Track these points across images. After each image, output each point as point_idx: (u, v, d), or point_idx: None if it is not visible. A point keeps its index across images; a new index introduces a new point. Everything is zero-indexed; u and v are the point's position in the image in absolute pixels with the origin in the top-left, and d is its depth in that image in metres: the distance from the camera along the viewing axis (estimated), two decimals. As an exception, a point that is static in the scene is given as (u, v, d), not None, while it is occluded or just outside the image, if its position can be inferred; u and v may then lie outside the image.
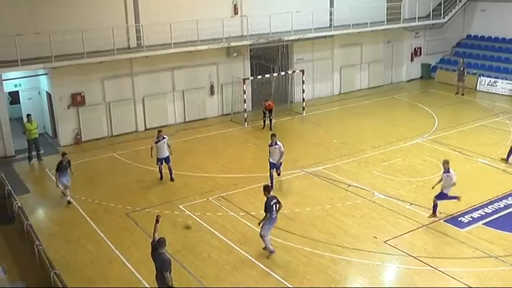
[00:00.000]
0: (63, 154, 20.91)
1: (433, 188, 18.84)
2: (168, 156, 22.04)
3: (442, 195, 18.50)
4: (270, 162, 21.21)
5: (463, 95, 35.73)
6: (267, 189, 16.45)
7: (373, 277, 15.49)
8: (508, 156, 23.48)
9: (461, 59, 36.96)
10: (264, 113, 29.18)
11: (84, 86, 27.23)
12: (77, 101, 27.08)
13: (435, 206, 18.53)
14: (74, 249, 17.15)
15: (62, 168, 20.46)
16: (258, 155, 25.67)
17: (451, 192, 18.48)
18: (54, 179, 20.53)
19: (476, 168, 23.17)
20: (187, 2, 29.58)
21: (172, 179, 22.18)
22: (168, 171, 22.28)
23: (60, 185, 20.57)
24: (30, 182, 22.92)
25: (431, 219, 18.46)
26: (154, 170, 22.91)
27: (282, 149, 21.11)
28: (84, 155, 25.76)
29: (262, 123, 29.32)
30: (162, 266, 13.00)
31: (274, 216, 16.28)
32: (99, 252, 16.97)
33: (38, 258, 15.04)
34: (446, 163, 18.60)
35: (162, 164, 22.06)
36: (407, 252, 16.57)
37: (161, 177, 22.31)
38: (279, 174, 21.62)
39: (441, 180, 18.63)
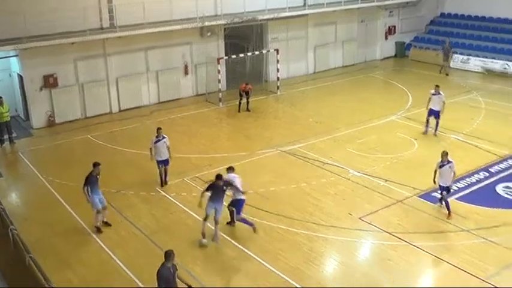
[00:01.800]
0: (96, 165, 16.93)
1: (434, 183, 17.68)
2: (167, 159, 19.71)
3: (443, 188, 17.49)
4: None
5: (447, 74, 35.62)
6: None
7: (349, 253, 15.66)
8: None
9: (447, 39, 36.91)
10: (241, 95, 28.69)
11: (56, 68, 26.82)
12: (50, 82, 26.69)
13: (447, 204, 17.40)
14: (48, 233, 17.00)
15: (92, 181, 16.70)
16: (233, 135, 25.70)
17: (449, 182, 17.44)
18: (86, 197, 16.69)
19: (449, 144, 23.37)
20: (161, -18, 29.28)
21: (166, 182, 19.95)
22: (163, 172, 20.07)
23: (94, 206, 16.77)
24: (3, 166, 22.59)
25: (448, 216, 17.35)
26: (129, 151, 22.84)
27: None
28: (57, 138, 25.50)
29: (238, 106, 28.83)
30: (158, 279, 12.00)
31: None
32: (75, 235, 16.85)
33: (12, 243, 14.89)
34: (445, 155, 17.35)
35: (162, 167, 19.84)
36: (382, 228, 16.74)
37: (162, 183, 19.89)
38: None
39: (436, 172, 17.50)
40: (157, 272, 12.01)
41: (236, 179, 16.50)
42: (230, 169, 16.93)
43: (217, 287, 14.21)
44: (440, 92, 24.15)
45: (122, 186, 19.89)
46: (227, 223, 16.85)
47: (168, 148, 19.61)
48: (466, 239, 16.07)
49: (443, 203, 17.53)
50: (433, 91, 24.31)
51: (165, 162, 19.73)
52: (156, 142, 19.40)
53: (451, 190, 17.84)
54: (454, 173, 17.35)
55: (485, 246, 15.67)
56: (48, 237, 16.73)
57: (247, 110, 28.54)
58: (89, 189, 16.57)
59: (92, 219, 17.08)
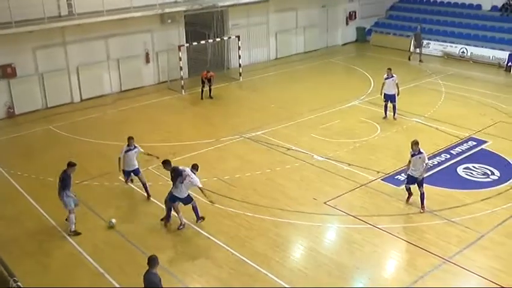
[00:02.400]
0: (71, 165, 16.23)
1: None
2: (137, 168, 18.31)
3: (410, 179, 17.14)
4: None
5: (420, 61, 35.30)
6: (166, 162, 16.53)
7: (315, 238, 15.81)
8: None
9: (419, 25, 36.63)
10: (203, 83, 28.58)
11: (14, 57, 26.25)
12: (7, 72, 26.10)
13: (422, 196, 17.02)
14: (11, 227, 16.73)
15: (68, 183, 16.07)
16: (196, 122, 25.63)
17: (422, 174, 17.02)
18: (62, 201, 16.08)
19: (411, 128, 23.76)
20: (119, -33, 28.87)
21: (149, 196, 18.25)
22: (141, 184, 18.51)
23: (67, 206, 16.01)
24: (-38, 159, 22.16)
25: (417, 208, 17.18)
26: (93, 141, 22.58)
27: None
28: (18, 129, 25.04)
29: (200, 93, 28.73)
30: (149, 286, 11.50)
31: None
32: (39, 228, 16.63)
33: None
34: (415, 144, 16.91)
35: (129, 177, 18.50)
36: (347, 212, 16.96)
37: (148, 196, 18.28)
38: None
39: (409, 163, 17.05)
40: (147, 280, 11.43)
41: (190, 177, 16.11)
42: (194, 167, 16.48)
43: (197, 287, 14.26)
44: (393, 75, 24.44)
45: (86, 177, 19.62)
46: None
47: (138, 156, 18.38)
48: (429, 220, 16.39)
49: (417, 192, 17.15)
50: (385, 75, 24.59)
51: (136, 171, 18.26)
52: (126, 151, 17.96)
53: (422, 183, 17.17)
54: (426, 165, 17.00)
55: (447, 227, 16.01)
56: (12, 232, 16.46)
57: (210, 97, 28.51)
58: (64, 191, 15.92)
59: (56, 213, 16.88)
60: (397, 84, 24.47)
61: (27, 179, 19.86)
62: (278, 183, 19.04)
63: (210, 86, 28.62)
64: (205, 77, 28.44)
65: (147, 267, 11.51)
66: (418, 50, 36.00)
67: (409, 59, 36.01)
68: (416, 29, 36.51)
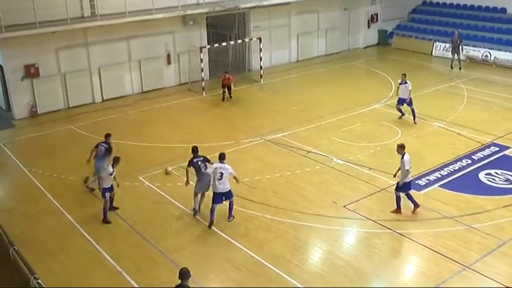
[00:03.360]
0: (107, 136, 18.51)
1: (394, 176, 17.33)
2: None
3: (400, 187, 16.91)
4: None
5: (460, 69, 33.94)
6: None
7: (333, 242, 15.76)
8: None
9: (457, 31, 35.18)
10: (224, 87, 28.80)
11: (37, 57, 26.57)
12: (31, 72, 26.43)
13: (398, 200, 16.98)
14: (33, 225, 16.95)
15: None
16: (216, 124, 25.70)
17: (408, 178, 16.83)
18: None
19: (432, 132, 23.60)
20: (142, -30, 29.07)
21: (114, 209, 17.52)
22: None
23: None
24: (-15, 158, 22.48)
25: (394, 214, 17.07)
26: (113, 141, 22.63)
27: None
28: (40, 128, 25.33)
29: (222, 95, 28.85)
30: None
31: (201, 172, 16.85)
32: (59, 226, 16.82)
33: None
34: (400, 147, 16.96)
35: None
36: (366, 216, 16.88)
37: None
38: None
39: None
40: None
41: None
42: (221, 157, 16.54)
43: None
44: (407, 81, 24.44)
45: (106, 177, 19.80)
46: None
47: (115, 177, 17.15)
48: (449, 226, 16.25)
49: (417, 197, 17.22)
50: (400, 80, 24.64)
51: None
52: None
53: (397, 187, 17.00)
54: (407, 171, 16.56)
55: (468, 233, 15.86)
56: (33, 229, 16.67)
57: (230, 97, 28.77)
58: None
59: (76, 211, 17.07)
60: (409, 91, 24.44)
61: (49, 178, 20.07)
62: (298, 185, 19.02)
63: (230, 92, 28.79)
64: (225, 83, 28.57)
65: (179, 281, 11.09)
66: (456, 57, 34.48)
67: (451, 67, 34.42)
68: (454, 34, 34.90)
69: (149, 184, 19.26)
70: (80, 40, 27.73)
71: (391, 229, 16.15)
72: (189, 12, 30.20)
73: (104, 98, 29.02)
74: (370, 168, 20.08)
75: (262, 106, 28.32)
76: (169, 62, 31.23)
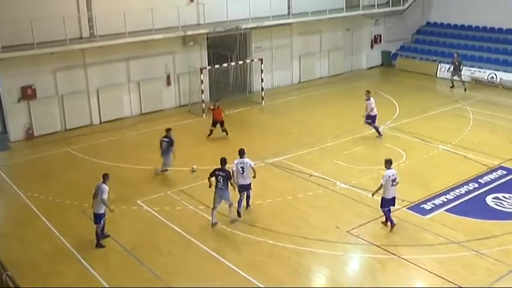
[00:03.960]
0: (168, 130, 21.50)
1: (373, 195, 17.82)
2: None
3: (382, 203, 17.40)
4: None
5: (465, 90, 34.05)
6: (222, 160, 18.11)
7: (337, 267, 15.61)
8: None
9: (456, 53, 35.48)
10: (214, 124, 26.36)
11: (35, 79, 26.63)
12: (28, 94, 26.46)
13: (386, 214, 17.41)
14: (27, 249, 16.81)
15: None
16: (217, 147, 25.57)
17: (388, 195, 17.25)
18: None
19: (437, 155, 23.53)
20: (142, -10, 29.23)
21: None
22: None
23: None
24: (-20, 180, 22.39)
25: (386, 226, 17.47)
26: (111, 164, 22.65)
27: None
28: (36, 151, 25.27)
29: (209, 131, 26.48)
30: None
31: (219, 187, 17.76)
32: (54, 251, 16.69)
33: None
34: (387, 162, 17.54)
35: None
36: (370, 241, 16.74)
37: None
38: None
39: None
40: None
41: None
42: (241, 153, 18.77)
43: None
44: (370, 98, 25.25)
45: (103, 201, 19.71)
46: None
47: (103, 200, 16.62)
48: (456, 252, 16.09)
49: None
50: (364, 97, 25.56)
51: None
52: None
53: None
54: (381, 185, 17.24)
55: (476, 259, 15.70)
56: (27, 254, 16.53)
57: (226, 134, 26.55)
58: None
59: (71, 235, 16.93)
60: (371, 108, 25.20)
61: (44, 201, 19.98)
62: (300, 210, 18.90)
63: (222, 127, 26.49)
64: (215, 118, 26.34)
65: None
66: (457, 78, 34.63)
67: (451, 87, 34.74)
68: (453, 56, 35.16)
69: (147, 208, 19.15)
70: (78, 61, 27.81)
71: (396, 254, 15.98)
72: (189, 32, 30.31)
73: (102, 120, 29.02)
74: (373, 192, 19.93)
75: (263, 128, 28.30)
76: (169, 83, 31.28)
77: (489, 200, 19.38)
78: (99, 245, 16.67)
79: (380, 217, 18.04)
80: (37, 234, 17.69)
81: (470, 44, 39.22)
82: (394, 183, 17.19)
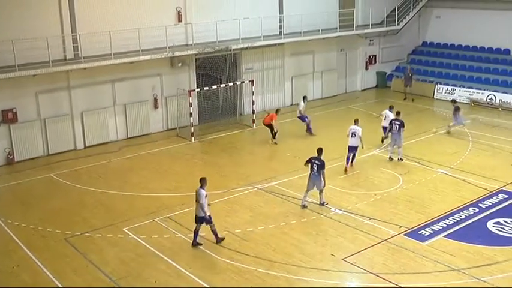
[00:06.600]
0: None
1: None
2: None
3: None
4: None
5: (413, 100, 37.00)
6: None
7: (332, 297, 15.55)
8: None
9: (409, 65, 38.11)
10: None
11: (16, 102, 26.56)
12: (8, 117, 26.38)
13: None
14: (6, 280, 16.61)
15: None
16: (206, 172, 25.42)
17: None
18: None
19: (436, 179, 23.58)
20: (128, 10, 29.33)
21: None
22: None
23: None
24: (-42, 208, 22.21)
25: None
26: (96, 191, 22.56)
27: None
28: (17, 176, 25.13)
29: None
30: None
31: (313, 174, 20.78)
32: (36, 281, 16.49)
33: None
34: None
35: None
36: (367, 269, 16.68)
37: None
38: None
39: None
40: None
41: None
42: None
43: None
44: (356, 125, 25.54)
45: (88, 228, 19.60)
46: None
47: None
48: (457, 279, 16.07)
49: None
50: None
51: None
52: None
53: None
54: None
55: (477, 287, 15.67)
56: (6, 285, 16.33)
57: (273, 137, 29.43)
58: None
59: (53, 265, 16.76)
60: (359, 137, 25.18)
61: (25, 229, 19.81)
62: (293, 237, 18.84)
63: (272, 132, 29.34)
64: (265, 122, 29.52)
65: None
66: (408, 89, 37.85)
67: (404, 99, 37.77)
68: (406, 68, 38.35)
69: (134, 236, 19.03)
70: (62, 83, 27.80)
71: (394, 283, 15.93)
72: (177, 53, 30.40)
73: (87, 145, 28.95)
74: (370, 218, 19.95)
75: (254, 152, 28.31)
76: (156, 106, 31.31)
77: (490, 225, 19.40)
78: (219, 240, 18.19)
79: (376, 244, 18.02)
80: (17, 264, 17.50)
81: (469, 64, 39.60)
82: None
